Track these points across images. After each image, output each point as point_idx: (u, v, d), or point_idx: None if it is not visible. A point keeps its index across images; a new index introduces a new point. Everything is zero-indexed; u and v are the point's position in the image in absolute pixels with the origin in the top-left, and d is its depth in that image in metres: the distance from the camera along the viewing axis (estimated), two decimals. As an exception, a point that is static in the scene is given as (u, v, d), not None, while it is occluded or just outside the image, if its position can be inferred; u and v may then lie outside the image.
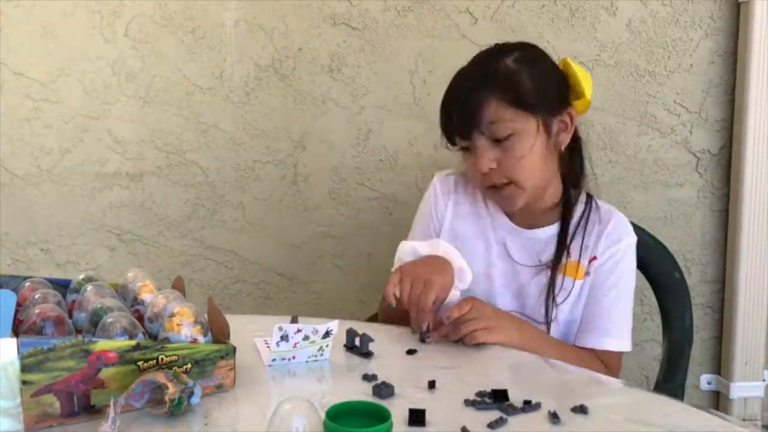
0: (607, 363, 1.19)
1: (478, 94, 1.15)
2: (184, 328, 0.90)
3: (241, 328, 1.19)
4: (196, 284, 1.88)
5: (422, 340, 1.10)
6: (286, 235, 1.89)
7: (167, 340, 0.89)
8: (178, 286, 1.07)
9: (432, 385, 0.93)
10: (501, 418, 0.83)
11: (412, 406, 0.84)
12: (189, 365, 0.87)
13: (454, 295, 1.14)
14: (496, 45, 1.25)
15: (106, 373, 0.82)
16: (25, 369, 0.77)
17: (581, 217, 1.24)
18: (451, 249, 1.16)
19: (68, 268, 1.84)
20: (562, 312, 1.22)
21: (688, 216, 1.96)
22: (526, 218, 1.25)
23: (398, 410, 0.81)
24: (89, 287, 1.02)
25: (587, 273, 1.21)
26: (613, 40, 1.87)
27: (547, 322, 1.20)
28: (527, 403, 0.87)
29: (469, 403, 0.88)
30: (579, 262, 1.21)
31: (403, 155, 1.87)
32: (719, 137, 1.93)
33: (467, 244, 1.26)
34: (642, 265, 1.42)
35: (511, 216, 1.26)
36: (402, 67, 1.84)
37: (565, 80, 1.24)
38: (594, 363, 1.16)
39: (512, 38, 1.83)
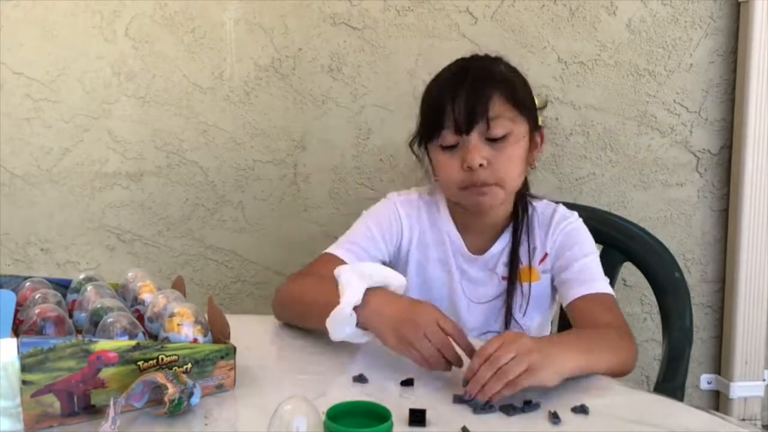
0: (606, 305, 1.15)
1: (482, 90, 1.14)
2: (185, 328, 0.90)
3: (241, 328, 1.19)
4: (196, 284, 1.88)
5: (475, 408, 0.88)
6: (286, 235, 1.89)
7: (167, 340, 0.89)
8: (179, 286, 1.07)
9: (409, 382, 0.94)
10: (501, 418, 0.83)
11: (413, 406, 0.84)
12: (189, 365, 0.87)
13: None
14: (476, 54, 1.27)
15: (106, 373, 0.82)
16: (25, 369, 0.78)
17: (522, 222, 1.26)
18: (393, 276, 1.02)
19: (68, 268, 1.84)
20: (532, 318, 1.25)
21: (688, 216, 1.96)
22: (478, 241, 1.27)
23: (398, 410, 0.81)
24: (89, 287, 1.02)
25: (544, 272, 1.25)
26: (613, 40, 1.87)
27: None
28: (527, 402, 0.87)
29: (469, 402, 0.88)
30: (530, 266, 1.24)
31: (403, 155, 1.86)
32: (719, 137, 1.93)
33: (430, 270, 1.28)
34: (642, 264, 1.43)
35: (465, 239, 1.27)
36: (402, 67, 1.84)
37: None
38: (608, 329, 1.10)
39: (512, 38, 1.85)
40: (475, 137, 1.15)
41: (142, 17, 1.77)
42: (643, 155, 1.92)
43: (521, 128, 1.18)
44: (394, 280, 1.02)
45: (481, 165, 1.14)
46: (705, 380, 2.01)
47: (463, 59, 1.25)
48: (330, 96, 1.84)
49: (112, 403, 0.76)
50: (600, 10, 1.85)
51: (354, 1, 1.81)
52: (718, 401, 2.02)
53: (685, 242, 1.96)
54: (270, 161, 1.86)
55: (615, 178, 1.93)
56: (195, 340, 0.90)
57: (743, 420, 1.95)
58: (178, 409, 0.82)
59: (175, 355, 0.86)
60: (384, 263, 1.26)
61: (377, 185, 1.88)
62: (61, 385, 0.80)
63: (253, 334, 1.15)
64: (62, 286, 1.08)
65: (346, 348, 1.08)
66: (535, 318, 1.27)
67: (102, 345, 0.82)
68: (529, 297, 1.24)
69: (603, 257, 1.47)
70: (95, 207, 1.84)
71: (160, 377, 0.81)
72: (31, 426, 0.79)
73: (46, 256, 1.84)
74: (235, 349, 0.92)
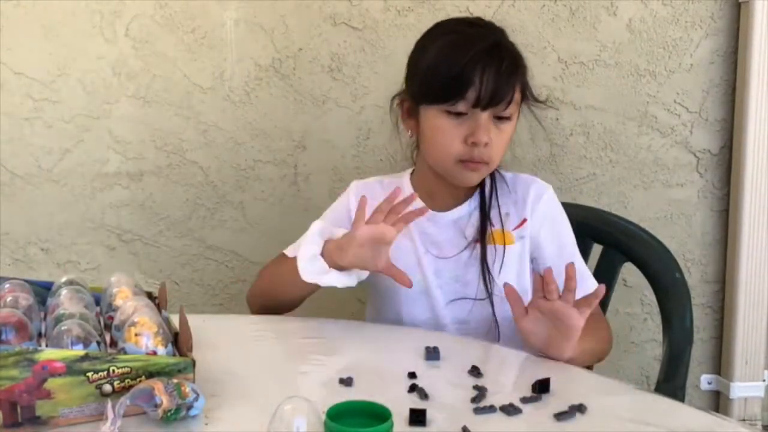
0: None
1: (512, 73, 1.16)
2: (143, 338, 0.87)
3: (242, 328, 1.19)
4: (196, 284, 1.88)
5: None
6: (287, 235, 1.87)
7: (124, 350, 0.87)
8: (161, 293, 1.04)
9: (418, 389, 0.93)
10: (501, 418, 0.83)
11: (413, 406, 0.84)
12: (143, 378, 0.83)
13: None
14: (479, 19, 1.29)
15: (52, 383, 0.79)
16: None
17: (491, 187, 1.27)
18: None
19: (68, 268, 1.84)
20: (509, 279, 1.20)
21: (688, 216, 1.96)
22: (444, 200, 1.27)
23: (398, 410, 0.81)
24: (64, 291, 0.99)
25: (521, 237, 1.24)
26: (614, 40, 1.87)
27: (489, 295, 1.21)
28: (527, 397, 0.88)
29: (470, 401, 0.88)
30: (503, 230, 1.24)
31: (403, 156, 1.86)
32: (719, 137, 1.93)
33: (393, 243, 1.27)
34: (642, 265, 1.43)
35: (428, 201, 1.25)
36: (402, 67, 1.83)
37: None
38: (598, 324, 1.16)
39: (512, 38, 1.83)
40: (487, 115, 1.16)
41: (142, 17, 1.77)
42: (644, 155, 1.92)
43: (517, 111, 1.22)
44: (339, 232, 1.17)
45: (486, 144, 1.16)
46: (705, 380, 2.01)
47: (484, 27, 1.24)
48: (330, 96, 1.84)
49: (110, 405, 0.75)
50: (600, 10, 1.85)
51: (354, 1, 1.81)
52: (718, 401, 2.02)
53: (686, 242, 1.96)
54: (270, 161, 1.86)
55: (615, 179, 1.93)
56: (153, 352, 0.86)
57: (743, 420, 1.95)
58: (174, 418, 0.80)
59: (128, 367, 0.82)
60: None
61: (377, 185, 1.88)
62: (4, 395, 0.77)
63: (253, 334, 1.15)
64: (46, 288, 1.05)
65: (347, 347, 1.08)
66: (511, 281, 1.20)
67: (47, 354, 0.78)
68: (503, 257, 1.23)
69: (603, 257, 1.47)
70: (95, 207, 1.84)
71: (157, 388, 0.79)
72: None
73: (46, 256, 1.84)
74: (194, 362, 0.86)
